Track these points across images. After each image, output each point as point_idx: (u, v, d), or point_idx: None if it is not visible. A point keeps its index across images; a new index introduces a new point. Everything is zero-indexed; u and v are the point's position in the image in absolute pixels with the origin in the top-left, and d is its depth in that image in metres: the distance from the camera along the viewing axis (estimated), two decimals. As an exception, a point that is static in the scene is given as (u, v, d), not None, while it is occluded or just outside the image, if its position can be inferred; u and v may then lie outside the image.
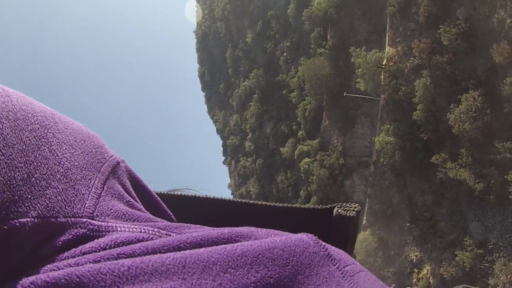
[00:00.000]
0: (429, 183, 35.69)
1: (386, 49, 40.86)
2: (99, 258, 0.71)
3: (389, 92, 38.80)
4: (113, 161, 0.95)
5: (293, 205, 1.26)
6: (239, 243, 0.80)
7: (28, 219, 0.69)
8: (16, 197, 0.68)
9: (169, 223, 0.93)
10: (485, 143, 29.20)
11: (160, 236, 0.83)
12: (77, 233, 0.75)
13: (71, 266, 0.69)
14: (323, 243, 0.94)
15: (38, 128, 0.77)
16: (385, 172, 42.16)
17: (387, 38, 41.28)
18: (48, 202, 0.72)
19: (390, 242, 40.70)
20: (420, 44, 34.66)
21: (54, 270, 0.68)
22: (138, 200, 0.99)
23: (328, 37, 50.60)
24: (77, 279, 0.65)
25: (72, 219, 0.75)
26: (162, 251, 0.75)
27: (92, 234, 0.77)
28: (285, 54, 67.50)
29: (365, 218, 44.99)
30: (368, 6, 44.57)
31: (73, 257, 0.72)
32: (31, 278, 0.65)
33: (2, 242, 0.67)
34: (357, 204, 1.22)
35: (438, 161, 32.48)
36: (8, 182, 0.68)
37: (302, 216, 1.25)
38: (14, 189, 0.68)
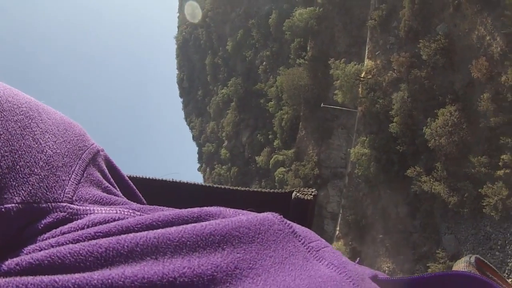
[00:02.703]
0: (403, 196, 35.96)
1: (365, 62, 41.23)
2: (77, 237, 0.75)
3: (366, 105, 39.09)
4: (93, 149, 1.00)
5: (256, 189, 1.31)
6: (207, 222, 0.84)
7: (13, 204, 0.73)
8: (2, 185, 0.72)
9: (143, 205, 0.98)
10: (460, 157, 29.61)
11: (135, 216, 0.88)
12: (57, 217, 0.80)
13: (52, 246, 0.72)
14: (288, 221, 0.99)
15: (23, 119, 0.82)
16: (360, 184, 42.39)
17: (366, 51, 41.66)
18: (31, 188, 0.76)
19: (363, 253, 40.91)
20: (399, 58, 35.07)
21: (36, 250, 0.72)
22: (116, 186, 1.05)
23: (308, 48, 50.96)
24: (59, 260, 0.68)
25: (53, 204, 0.80)
26: (136, 229, 0.80)
27: (71, 217, 0.82)
28: (264, 63, 67.63)
29: (338, 228, 45.21)
30: (350, 18, 45.01)
31: (53, 237, 0.77)
32: (16, 260, 0.68)
33: None
34: (314, 189, 1.27)
35: (413, 174, 32.74)
36: None
37: (264, 199, 1.30)
38: (0, 177, 0.72)
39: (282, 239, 0.91)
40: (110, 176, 1.03)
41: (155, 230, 0.77)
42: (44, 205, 0.78)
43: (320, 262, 0.95)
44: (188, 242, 0.77)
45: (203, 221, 0.85)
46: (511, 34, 27.09)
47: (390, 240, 37.02)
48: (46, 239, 0.76)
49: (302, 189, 1.27)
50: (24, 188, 0.75)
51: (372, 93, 38.55)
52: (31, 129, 0.82)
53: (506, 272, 27.80)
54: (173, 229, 0.78)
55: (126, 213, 0.88)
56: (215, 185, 1.30)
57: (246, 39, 72.66)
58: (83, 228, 0.78)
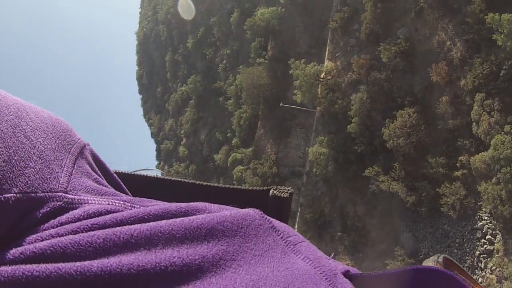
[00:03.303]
0: (361, 194, 36.42)
1: (325, 63, 41.61)
2: (76, 229, 0.83)
3: (325, 105, 39.39)
4: (80, 143, 1.08)
5: (235, 186, 1.37)
6: (195, 216, 0.93)
7: (12, 194, 0.79)
8: (0, 176, 0.79)
9: (132, 197, 1.08)
10: (418, 158, 30.28)
11: (126, 208, 0.97)
12: (54, 206, 0.87)
13: (53, 237, 0.80)
14: (268, 217, 1.06)
15: (13, 119, 0.89)
16: (318, 182, 42.67)
17: (327, 52, 42.04)
18: (27, 179, 0.83)
19: (321, 250, 40.81)
20: (359, 60, 35.61)
21: (38, 240, 0.79)
22: (103, 178, 1.13)
23: (269, 47, 51.15)
24: (61, 250, 0.76)
25: (49, 193, 0.87)
26: (129, 222, 0.88)
27: (67, 206, 0.89)
28: (224, 61, 67.40)
29: (296, 226, 45.35)
30: (311, 20, 45.34)
31: (53, 227, 0.84)
32: (20, 249, 0.75)
33: None
34: (290, 187, 1.33)
35: (371, 174, 33.30)
36: None
37: (243, 196, 1.34)
38: None
39: (263, 234, 1.00)
40: (97, 169, 1.12)
41: (147, 223, 0.87)
42: (41, 194, 0.85)
43: (297, 255, 1.03)
44: (178, 235, 0.86)
45: (190, 216, 0.95)
46: (471, 40, 27.90)
47: (349, 238, 37.42)
48: (46, 229, 0.83)
49: (278, 187, 1.32)
50: (21, 180, 0.82)
51: (331, 94, 38.92)
52: (21, 127, 0.90)
53: (465, 268, 28.50)
54: (163, 222, 0.88)
55: (117, 204, 0.97)
56: (197, 182, 1.37)
57: (207, 36, 72.40)
58: (80, 219, 0.87)
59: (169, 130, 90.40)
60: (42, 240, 0.78)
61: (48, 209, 0.85)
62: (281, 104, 46.29)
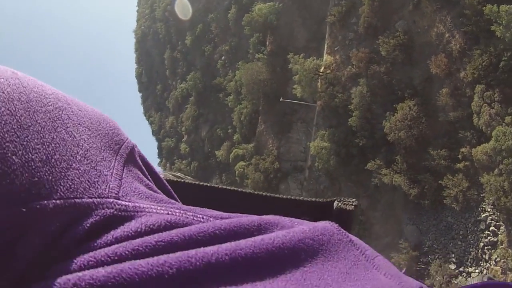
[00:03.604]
0: (364, 188, 36.39)
1: (324, 57, 41.49)
2: (137, 248, 0.70)
3: (325, 99, 39.35)
4: (129, 143, 0.97)
5: (295, 197, 1.29)
6: (274, 234, 0.82)
7: (50, 201, 0.68)
8: (36, 179, 0.67)
9: (190, 206, 0.94)
10: (420, 150, 30.25)
11: (187, 218, 0.84)
12: (105, 214, 0.75)
13: (109, 258, 0.68)
14: (344, 231, 0.99)
15: (52, 110, 0.78)
16: (320, 177, 42.56)
17: (325, 46, 41.94)
18: (70, 183, 0.72)
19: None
20: (358, 54, 35.54)
21: (91, 262, 0.67)
22: (154, 184, 1.01)
23: (267, 42, 51.11)
24: (125, 282, 0.63)
25: (98, 199, 0.75)
26: (199, 239, 0.76)
27: (120, 214, 0.77)
28: (223, 57, 67.30)
29: (299, 221, 45.43)
30: (309, 14, 45.26)
31: (108, 244, 0.72)
32: (72, 278, 0.63)
33: (22, 226, 0.66)
34: (355, 199, 1.27)
35: (373, 167, 33.28)
36: (26, 164, 0.67)
37: (304, 208, 1.28)
38: (33, 171, 0.67)
39: (343, 249, 0.93)
40: (147, 174, 1.01)
41: (224, 245, 0.75)
42: (88, 200, 0.74)
43: (378, 271, 0.97)
44: (260, 259, 0.76)
45: (264, 231, 0.85)
46: (470, 32, 27.86)
47: (352, 231, 37.21)
48: (99, 247, 0.71)
49: (343, 199, 1.26)
50: (62, 183, 0.71)
51: (331, 88, 38.86)
52: (63, 121, 0.79)
53: (469, 261, 28.57)
54: (242, 243, 0.76)
55: (178, 213, 0.84)
56: (253, 192, 1.29)
57: (205, 33, 72.35)
58: (139, 234, 0.75)
59: (170, 128, 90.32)
60: (97, 265, 0.66)
61: (97, 218, 0.73)
62: (281, 99, 46.18)
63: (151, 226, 0.76)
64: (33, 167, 0.67)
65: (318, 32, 44.04)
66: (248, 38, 55.95)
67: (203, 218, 0.86)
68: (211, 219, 0.86)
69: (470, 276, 28.17)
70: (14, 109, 0.69)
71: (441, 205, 29.48)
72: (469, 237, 28.58)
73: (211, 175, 68.73)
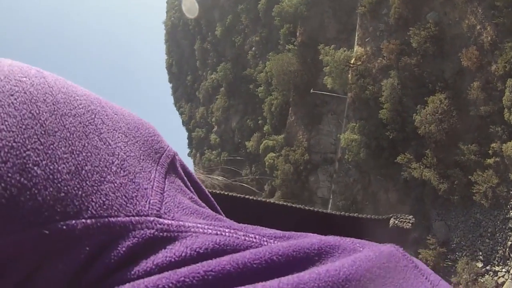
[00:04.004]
0: (393, 182, 36.08)
1: (355, 48, 41.17)
2: (183, 279, 0.59)
3: (356, 91, 39.10)
4: (170, 152, 0.86)
5: (347, 214, 1.22)
6: (339, 264, 0.70)
7: (79, 220, 0.59)
8: (63, 194, 0.58)
9: (241, 224, 0.81)
10: (450, 144, 29.82)
11: (238, 239, 0.72)
12: (144, 235, 0.65)
13: None
14: (408, 255, 0.89)
15: (84, 113, 0.69)
16: (350, 169, 42.46)
17: (356, 38, 41.59)
18: (104, 199, 0.62)
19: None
20: (389, 45, 35.10)
21: None
22: (197, 196, 0.89)
23: (298, 33, 50.84)
24: None
25: (137, 217, 0.65)
26: (254, 267, 0.65)
27: (161, 235, 0.66)
28: (253, 48, 67.39)
29: (329, 214, 45.36)
30: (339, 5, 44.84)
31: (148, 273, 0.62)
32: None
33: (45, 253, 0.57)
34: (411, 216, 1.20)
35: (403, 161, 32.89)
36: (51, 176, 0.58)
37: (356, 225, 1.21)
38: (59, 185, 0.58)
39: (409, 276, 0.80)
40: (189, 185, 0.89)
41: (285, 279, 0.63)
42: (125, 219, 0.64)
43: None
44: None
45: (325, 256, 0.74)
46: (502, 24, 27.24)
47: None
48: (137, 276, 0.61)
49: (400, 216, 1.20)
50: (94, 199, 0.61)
51: (362, 80, 38.54)
52: (96, 126, 0.69)
53: (496, 259, 28.13)
54: (306, 277, 0.64)
55: (227, 233, 0.72)
56: (302, 207, 1.19)
57: (235, 24, 72.34)
58: (184, 260, 0.64)
59: (200, 118, 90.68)
60: None
61: (135, 240, 0.63)
62: (312, 91, 46.14)
63: (197, 250, 0.66)
64: (59, 179, 0.59)
65: (349, 23, 43.66)
66: (279, 29, 55.79)
67: (255, 238, 0.75)
68: (264, 239, 0.75)
69: (497, 275, 27.82)
70: (37, 111, 0.61)
71: (470, 201, 29.08)
72: (497, 235, 28.14)
73: (241, 166, 68.93)
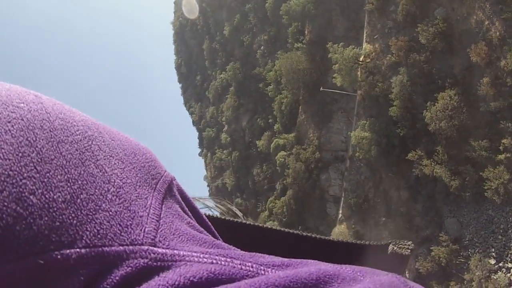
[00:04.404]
0: (404, 179, 35.98)
1: (364, 46, 41.09)
2: None
3: (365, 88, 39.06)
4: (167, 177, 0.86)
5: (347, 240, 1.20)
6: None
7: (73, 249, 0.59)
8: (58, 224, 0.58)
9: (239, 251, 0.81)
10: (461, 141, 29.65)
11: (235, 268, 0.71)
12: (137, 265, 0.64)
13: None
14: (409, 283, 0.88)
15: (81, 140, 0.68)
16: (361, 167, 42.41)
17: (364, 35, 41.52)
18: (99, 228, 0.62)
19: (366, 236, 40.99)
20: (397, 42, 34.96)
21: None
22: (195, 221, 0.90)
23: (306, 32, 50.79)
24: None
25: (130, 247, 0.65)
26: None
27: (155, 264, 0.66)
28: (262, 47, 67.33)
29: (340, 212, 45.37)
30: (347, 2, 44.72)
31: None
32: None
33: (39, 282, 0.57)
34: (411, 242, 1.21)
35: (414, 158, 32.77)
36: (46, 205, 0.58)
37: (353, 251, 1.19)
38: (54, 214, 0.58)
39: None
40: (187, 210, 0.89)
41: None
42: (119, 248, 0.63)
43: None
44: None
45: (323, 286, 0.72)
46: (510, 19, 27.04)
47: (393, 223, 37.09)
48: None
49: (399, 242, 1.20)
50: (89, 228, 0.61)
51: (371, 77, 38.47)
52: (92, 152, 0.69)
53: (509, 256, 27.96)
54: None
55: (223, 262, 0.71)
56: (300, 233, 1.18)
57: (243, 23, 72.27)
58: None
59: (210, 118, 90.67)
60: None
61: (129, 269, 0.63)
62: (321, 89, 46.05)
63: (191, 279, 0.64)
64: (55, 208, 0.58)
65: (357, 21, 43.55)
66: (287, 27, 55.61)
67: (252, 267, 0.73)
68: (262, 268, 0.73)
69: (509, 272, 27.64)
70: (34, 138, 0.61)
71: (482, 198, 28.84)
72: (510, 231, 27.94)
73: (252, 165, 69.01)
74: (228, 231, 1.10)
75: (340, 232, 43.14)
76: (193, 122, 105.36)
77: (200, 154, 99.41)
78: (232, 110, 75.97)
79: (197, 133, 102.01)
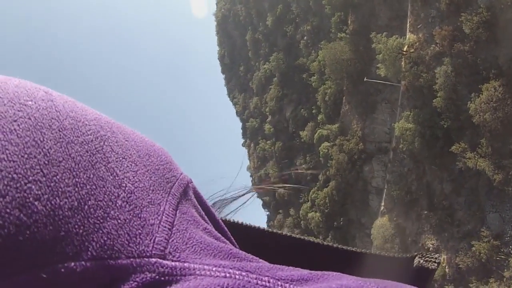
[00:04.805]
0: (448, 172, 35.45)
1: (407, 36, 40.49)
2: None
3: (409, 79, 38.47)
4: (183, 180, 0.79)
5: (371, 252, 1.14)
6: None
7: (78, 262, 0.54)
8: (63, 233, 0.53)
9: (256, 263, 0.75)
10: (505, 134, 28.96)
11: (249, 282, 0.65)
12: (144, 279, 0.59)
13: None
14: None
15: (92, 140, 0.63)
16: (404, 159, 41.99)
17: (408, 25, 40.90)
18: (106, 238, 0.57)
19: (408, 229, 40.64)
20: (441, 32, 34.29)
21: None
22: (212, 226, 0.83)
23: (349, 21, 50.41)
24: None
25: (138, 260, 0.59)
26: None
27: (163, 279, 0.60)
28: (305, 38, 67.31)
29: (383, 204, 45.02)
30: (390, -9, 44.24)
31: None
32: None
33: None
34: (438, 255, 1.11)
35: (458, 151, 32.18)
36: (52, 213, 0.52)
37: (380, 263, 1.12)
38: (60, 222, 0.53)
39: None
40: (204, 214, 0.83)
41: None
42: (125, 261, 0.58)
43: None
44: None
45: None
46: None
47: (435, 216, 36.56)
48: None
49: (425, 255, 1.10)
50: (95, 238, 0.56)
51: (415, 67, 37.84)
52: (104, 154, 0.63)
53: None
54: None
55: (238, 276, 0.65)
56: (322, 242, 1.12)
57: (286, 14, 72.35)
58: None
59: (254, 108, 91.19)
60: None
61: (134, 285, 0.59)
62: (365, 79, 45.66)
63: None
64: (61, 216, 0.54)
65: (400, 10, 42.91)
66: (330, 17, 55.43)
67: (269, 282, 0.68)
68: (279, 283, 0.68)
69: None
70: (42, 139, 0.56)
71: (526, 193, 28.19)
72: (552, 228, 27.28)
73: (295, 156, 69.11)
74: (245, 237, 1.03)
75: (381, 224, 42.81)
76: (236, 112, 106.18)
77: (243, 145, 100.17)
78: (275, 100, 76.20)
79: (241, 124, 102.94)
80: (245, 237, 1.02)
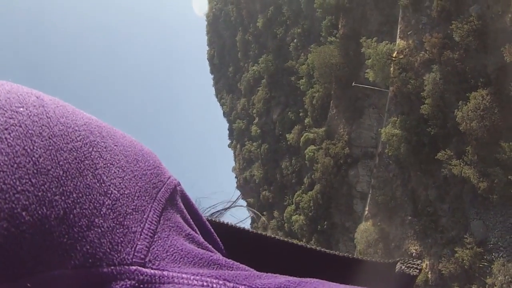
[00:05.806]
0: (433, 178, 35.59)
1: (397, 41, 40.63)
2: None
3: (398, 85, 38.62)
4: (170, 184, 0.80)
5: (351, 256, 1.14)
6: None
7: (61, 270, 0.54)
8: (48, 243, 0.53)
9: (236, 271, 0.76)
10: (491, 142, 29.10)
11: None
12: (123, 287, 0.60)
13: None
14: None
15: (81, 147, 0.63)
16: (390, 164, 42.12)
17: (398, 31, 41.04)
18: (88, 247, 0.58)
19: (391, 234, 40.73)
20: (431, 39, 34.45)
21: None
22: (197, 230, 0.86)
23: (340, 26, 50.42)
24: None
25: (118, 268, 0.60)
26: None
27: (142, 286, 0.62)
28: (295, 40, 67.35)
29: (367, 208, 45.10)
30: (381, -4, 44.40)
31: None
32: None
33: None
34: (420, 261, 1.14)
35: (443, 158, 32.35)
36: (39, 222, 0.53)
37: (362, 268, 1.13)
38: (46, 232, 0.53)
39: None
40: (189, 218, 0.84)
41: None
42: (106, 269, 0.59)
43: None
44: None
45: None
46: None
47: (419, 222, 36.71)
48: None
49: (407, 261, 1.13)
50: (79, 247, 0.57)
51: (404, 73, 38.03)
52: (92, 160, 0.64)
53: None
54: None
55: (214, 285, 0.67)
56: (303, 245, 1.11)
57: (277, 16, 72.29)
58: None
59: (241, 110, 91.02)
60: None
61: None
62: (353, 84, 45.77)
63: None
64: (47, 226, 0.54)
65: (391, 15, 43.03)
66: (320, 21, 55.41)
67: None
68: None
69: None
70: (32, 147, 0.56)
71: (510, 201, 28.44)
72: (536, 237, 27.49)
73: (281, 158, 69.12)
74: (231, 238, 1.07)
75: (365, 229, 42.87)
76: (223, 113, 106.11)
77: (229, 146, 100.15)
78: (263, 102, 76.21)
79: (228, 125, 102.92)
80: (231, 238, 1.05)
